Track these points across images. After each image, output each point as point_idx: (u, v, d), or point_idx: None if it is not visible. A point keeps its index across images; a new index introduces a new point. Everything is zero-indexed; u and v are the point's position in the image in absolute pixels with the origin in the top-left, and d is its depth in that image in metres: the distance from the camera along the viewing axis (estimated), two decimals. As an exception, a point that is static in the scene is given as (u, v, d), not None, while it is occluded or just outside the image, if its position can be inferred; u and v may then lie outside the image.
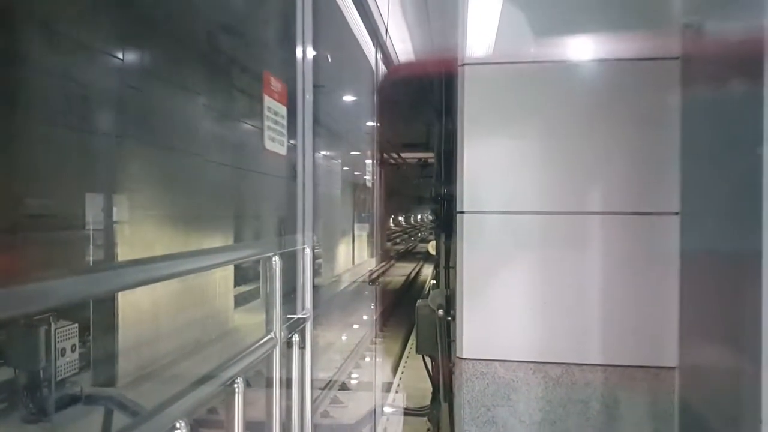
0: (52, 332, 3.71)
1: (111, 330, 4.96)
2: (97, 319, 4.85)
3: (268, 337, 1.57)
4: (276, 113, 1.79)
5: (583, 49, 2.17)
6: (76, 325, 4.00)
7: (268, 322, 1.59)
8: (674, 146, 2.07)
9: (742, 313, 1.63)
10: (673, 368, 2.06)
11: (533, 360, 2.15)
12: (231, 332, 7.47)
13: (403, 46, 5.37)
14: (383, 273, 21.15)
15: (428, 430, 4.81)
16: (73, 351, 3.92)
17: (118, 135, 5.04)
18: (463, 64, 2.19)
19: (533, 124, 2.18)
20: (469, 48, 2.19)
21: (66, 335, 3.85)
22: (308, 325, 1.86)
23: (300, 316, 1.83)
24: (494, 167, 2.19)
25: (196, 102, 6.39)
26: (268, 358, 1.57)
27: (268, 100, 1.73)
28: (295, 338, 1.79)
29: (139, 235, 5.41)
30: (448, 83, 3.05)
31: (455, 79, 2.57)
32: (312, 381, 1.93)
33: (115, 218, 5.17)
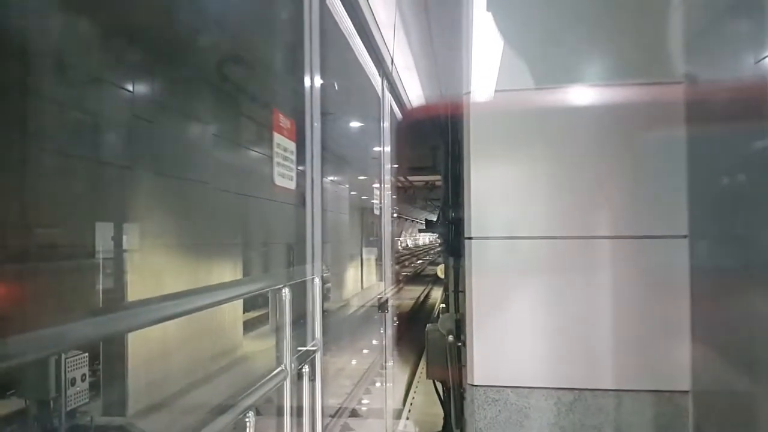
0: (63, 362, 3.72)
1: (120, 359, 4.96)
2: (107, 348, 4.86)
3: (279, 369, 1.57)
4: (285, 149, 1.82)
5: (587, 74, 2.19)
6: (86, 354, 4.00)
7: (279, 354, 1.59)
8: (681, 169, 2.07)
9: (755, 334, 1.62)
10: (687, 392, 2.03)
11: (545, 386, 2.13)
12: (241, 361, 7.43)
13: (408, 74, 5.45)
14: (392, 296, 21.01)
15: (440, 457, 4.73)
16: (83, 380, 3.92)
17: (126, 166, 5.11)
18: (468, 92, 2.22)
19: (539, 149, 2.19)
20: (474, 76, 2.22)
21: (76, 365, 3.86)
22: (318, 356, 1.86)
23: (309, 348, 1.82)
24: (501, 193, 2.20)
25: (205, 131, 6.48)
26: (278, 389, 1.57)
27: (277, 137, 1.76)
28: (305, 369, 1.79)
29: (148, 264, 5.44)
30: (454, 110, 3.08)
31: (461, 107, 2.60)
32: (322, 410, 1.92)
33: (125, 246, 5.21)
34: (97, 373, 4.68)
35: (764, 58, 1.58)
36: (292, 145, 1.85)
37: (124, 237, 5.26)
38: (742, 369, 1.73)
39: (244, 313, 8.81)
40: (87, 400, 3.91)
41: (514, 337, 2.16)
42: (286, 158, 1.80)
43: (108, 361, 4.84)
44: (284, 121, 1.81)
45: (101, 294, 4.91)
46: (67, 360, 3.77)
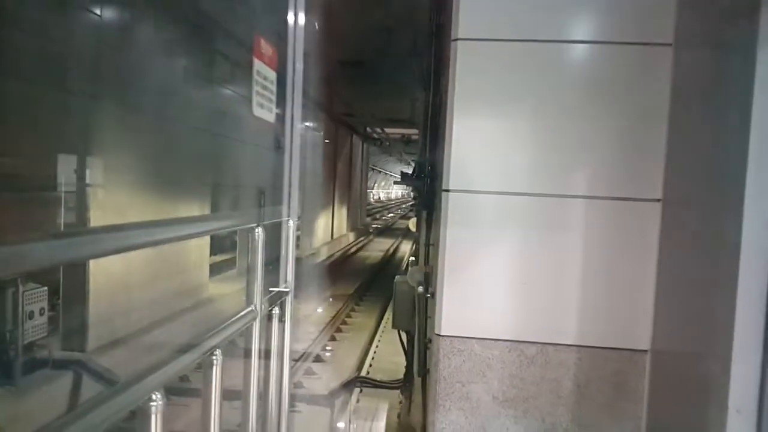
0: (20, 294, 3.64)
1: (81, 294, 4.88)
2: (68, 282, 4.77)
3: (248, 309, 1.55)
4: (265, 78, 1.73)
5: (577, 30, 2.14)
6: (46, 288, 3.92)
7: (249, 294, 1.56)
8: (661, 133, 2.07)
9: (716, 301, 1.66)
10: (645, 351, 2.10)
11: (510, 338, 2.17)
12: (206, 302, 7.42)
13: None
14: (362, 248, 21.23)
15: (400, 402, 4.88)
16: (41, 314, 3.85)
17: (92, 95, 4.88)
18: (457, 39, 2.15)
19: (523, 104, 2.16)
20: (463, 23, 2.15)
21: (34, 298, 3.78)
22: (289, 299, 1.84)
23: (281, 289, 1.80)
24: (483, 147, 2.17)
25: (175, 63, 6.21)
26: (247, 330, 1.55)
27: (257, 64, 1.67)
28: (276, 311, 1.78)
29: (111, 200, 5.30)
30: (438, 56, 3.00)
31: (443, 52, 2.52)
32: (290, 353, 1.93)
33: (88, 181, 5.04)
34: (57, 308, 4.60)
35: (752, 25, 1.55)
36: (272, 75, 1.77)
37: (87, 171, 5.08)
38: (700, 333, 1.79)
39: (210, 256, 8.76)
40: (45, 334, 3.85)
41: (484, 290, 2.18)
42: (265, 87, 1.71)
43: (68, 296, 4.75)
44: (266, 48, 1.72)
45: (62, 228, 4.78)
46: (25, 293, 3.69)
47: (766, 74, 1.53)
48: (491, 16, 2.14)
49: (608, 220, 2.13)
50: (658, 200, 2.08)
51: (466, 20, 2.15)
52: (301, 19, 1.99)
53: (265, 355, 1.73)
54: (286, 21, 2.01)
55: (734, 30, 1.71)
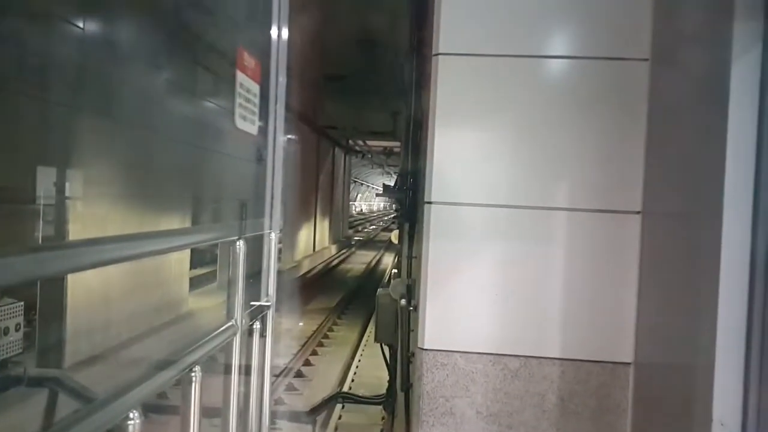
0: (-6, 310, 3.54)
1: (59, 310, 4.76)
2: (44, 297, 4.65)
3: (229, 324, 1.52)
4: (248, 90, 1.71)
5: (556, 45, 2.18)
6: (22, 303, 3.82)
7: (229, 308, 1.53)
8: (639, 146, 2.10)
9: (698, 313, 1.68)
10: (629, 364, 2.11)
11: (493, 352, 2.17)
12: (186, 316, 7.30)
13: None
14: (344, 260, 21.16)
15: (383, 418, 4.83)
16: (17, 330, 3.75)
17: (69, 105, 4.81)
18: (438, 54, 2.16)
19: (504, 118, 2.18)
20: (444, 38, 2.17)
21: (10, 314, 3.68)
22: (270, 313, 1.81)
23: (262, 303, 1.78)
24: (464, 159, 2.18)
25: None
26: (227, 346, 1.52)
27: (240, 77, 1.66)
28: (257, 326, 1.75)
29: (90, 214, 5.20)
30: (419, 71, 3.02)
31: (425, 67, 2.54)
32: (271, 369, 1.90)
33: (67, 194, 4.95)
34: (33, 323, 4.48)
35: (726, 39, 1.58)
36: (255, 87, 1.76)
37: (67, 184, 4.99)
38: (682, 345, 1.80)
39: (190, 269, 8.63)
40: (21, 350, 3.75)
41: (466, 303, 2.17)
42: (248, 100, 1.70)
43: (45, 311, 4.64)
44: (248, 61, 1.71)
45: (40, 242, 4.68)
46: (0, 308, 3.59)
47: (740, 87, 1.56)
48: (471, 32, 2.16)
49: (589, 232, 2.15)
50: (638, 212, 2.11)
51: (447, 35, 2.17)
52: (284, 33, 1.99)
53: (246, 370, 1.70)
54: (269, 35, 2.01)
55: (709, 45, 1.74)
